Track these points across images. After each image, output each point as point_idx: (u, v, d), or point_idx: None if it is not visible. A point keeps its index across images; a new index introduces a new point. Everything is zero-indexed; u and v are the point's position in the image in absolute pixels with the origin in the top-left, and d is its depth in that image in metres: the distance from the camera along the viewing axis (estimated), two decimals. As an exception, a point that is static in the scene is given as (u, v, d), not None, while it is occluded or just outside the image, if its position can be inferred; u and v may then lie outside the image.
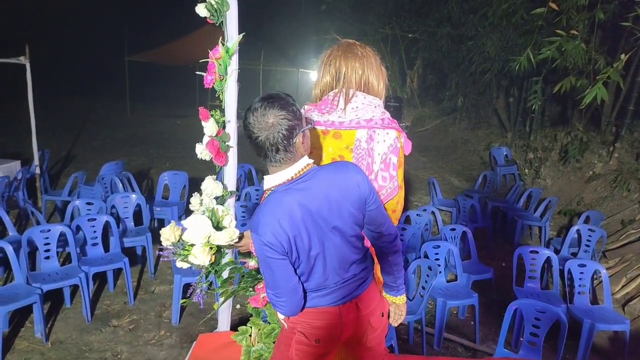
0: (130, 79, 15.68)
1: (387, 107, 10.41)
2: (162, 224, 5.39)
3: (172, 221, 1.85)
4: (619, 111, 6.92)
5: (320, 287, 1.59)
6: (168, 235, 1.80)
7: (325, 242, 1.53)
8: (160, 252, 1.87)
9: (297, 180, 1.50)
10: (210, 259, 1.77)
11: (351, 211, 1.54)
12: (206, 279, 1.96)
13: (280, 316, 1.69)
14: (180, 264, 1.83)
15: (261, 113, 1.43)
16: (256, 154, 1.52)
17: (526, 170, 8.12)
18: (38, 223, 4.20)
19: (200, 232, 1.73)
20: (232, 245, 1.78)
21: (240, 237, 1.86)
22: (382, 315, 1.75)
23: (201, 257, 1.72)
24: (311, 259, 1.53)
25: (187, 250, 1.77)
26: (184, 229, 1.81)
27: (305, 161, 1.53)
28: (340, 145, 1.79)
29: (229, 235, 1.74)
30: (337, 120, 1.79)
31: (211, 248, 1.77)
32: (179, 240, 1.82)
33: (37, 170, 5.84)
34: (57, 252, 3.69)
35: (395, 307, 1.84)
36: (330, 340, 1.65)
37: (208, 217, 1.81)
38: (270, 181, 1.54)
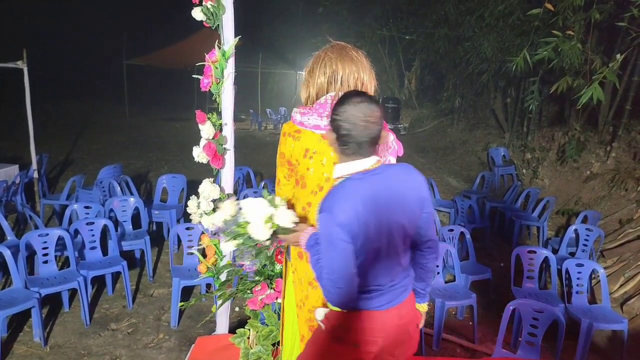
0: (129, 82, 15.69)
1: (385, 108, 10.46)
2: (160, 227, 5.40)
3: (231, 198, 1.78)
4: (616, 111, 6.93)
5: (368, 286, 1.59)
6: (228, 209, 1.75)
7: (388, 237, 1.55)
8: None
9: (371, 172, 1.55)
10: (268, 236, 1.71)
11: (414, 210, 1.59)
12: (258, 256, 1.84)
13: (319, 316, 1.69)
14: (226, 246, 1.76)
15: (368, 107, 1.49)
16: (341, 144, 1.53)
17: (524, 171, 8.13)
18: (36, 227, 4.20)
19: (262, 210, 1.69)
20: (288, 229, 1.71)
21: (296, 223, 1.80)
22: (417, 327, 1.77)
23: (260, 231, 1.66)
24: (371, 252, 1.53)
25: (241, 226, 1.71)
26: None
27: (376, 157, 1.58)
28: None
29: (290, 216, 1.70)
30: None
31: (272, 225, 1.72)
32: (231, 218, 1.77)
33: (35, 175, 5.84)
34: (56, 256, 3.69)
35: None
36: (368, 345, 1.63)
37: (268, 201, 1.77)
38: (345, 169, 1.56)
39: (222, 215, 1.76)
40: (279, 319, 2.37)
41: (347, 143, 1.53)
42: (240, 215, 1.70)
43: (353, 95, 1.53)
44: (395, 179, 1.57)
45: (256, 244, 1.70)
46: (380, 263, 1.57)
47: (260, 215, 1.66)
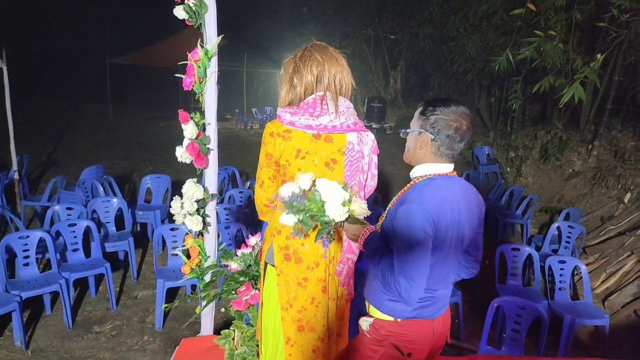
0: (112, 81, 15.49)
1: (370, 107, 10.48)
2: (144, 228, 5.34)
3: (309, 173, 1.69)
4: (597, 110, 7.05)
5: (426, 293, 1.60)
6: (304, 183, 1.67)
7: (455, 244, 1.59)
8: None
9: (451, 178, 1.61)
10: (343, 219, 1.63)
11: (474, 226, 1.64)
12: (330, 233, 1.66)
13: (365, 326, 1.68)
14: (287, 219, 1.65)
15: (468, 112, 1.59)
16: (441, 144, 1.58)
17: (508, 169, 8.23)
18: (17, 229, 4.12)
19: (339, 193, 1.63)
20: (358, 219, 1.65)
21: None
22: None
23: (337, 212, 1.60)
24: (439, 254, 1.55)
25: (316, 203, 1.62)
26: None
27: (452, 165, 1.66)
28: (332, 148, 1.79)
29: (364, 207, 1.65)
30: (329, 124, 1.78)
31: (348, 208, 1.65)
32: (303, 192, 1.68)
33: (16, 176, 5.73)
34: (37, 259, 3.62)
35: None
36: (420, 354, 1.66)
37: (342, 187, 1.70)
38: (429, 169, 1.61)
39: (295, 187, 1.68)
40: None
41: (445, 143, 1.57)
42: (315, 192, 1.64)
43: (450, 99, 1.62)
44: (469, 191, 1.64)
45: (315, 225, 1.64)
46: (441, 268, 1.60)
47: (338, 197, 1.62)
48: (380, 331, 1.64)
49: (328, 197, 1.60)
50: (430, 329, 1.65)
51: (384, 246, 1.59)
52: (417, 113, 1.67)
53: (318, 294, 1.83)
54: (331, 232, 1.63)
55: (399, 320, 1.61)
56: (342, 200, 1.60)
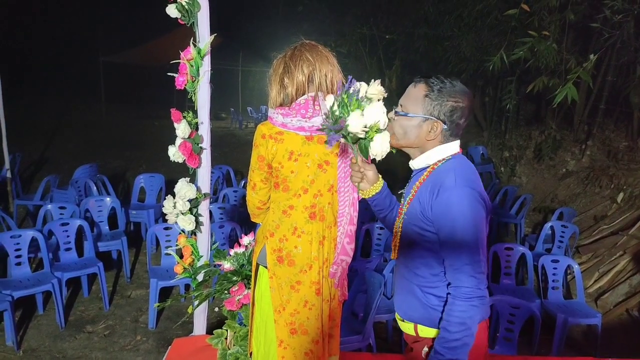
0: (106, 79, 15.40)
1: (365, 107, 10.38)
2: (138, 227, 5.32)
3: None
4: (591, 110, 7.08)
5: (484, 289, 1.46)
6: (374, 87, 1.50)
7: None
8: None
9: (463, 156, 1.56)
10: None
11: None
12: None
13: (424, 353, 1.52)
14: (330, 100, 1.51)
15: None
16: (449, 130, 1.49)
17: (502, 169, 8.25)
18: (9, 228, 4.09)
19: (377, 116, 1.43)
20: (366, 151, 1.45)
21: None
22: None
23: (358, 122, 1.41)
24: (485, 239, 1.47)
25: (355, 104, 1.45)
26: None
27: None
28: (325, 150, 1.77)
29: (384, 142, 1.46)
30: (321, 124, 1.77)
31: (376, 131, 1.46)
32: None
33: (8, 174, 5.69)
34: (29, 258, 3.60)
35: None
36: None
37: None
38: (447, 150, 1.51)
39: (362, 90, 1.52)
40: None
41: (456, 130, 1.50)
42: (366, 99, 1.46)
43: (449, 76, 1.54)
44: None
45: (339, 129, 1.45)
46: (485, 256, 1.44)
47: (373, 117, 1.43)
48: (477, 339, 1.44)
49: (367, 111, 1.42)
50: (487, 330, 1.52)
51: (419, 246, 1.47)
52: (419, 93, 1.52)
53: (311, 297, 1.81)
54: (336, 140, 1.46)
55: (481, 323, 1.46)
56: (373, 123, 1.41)
